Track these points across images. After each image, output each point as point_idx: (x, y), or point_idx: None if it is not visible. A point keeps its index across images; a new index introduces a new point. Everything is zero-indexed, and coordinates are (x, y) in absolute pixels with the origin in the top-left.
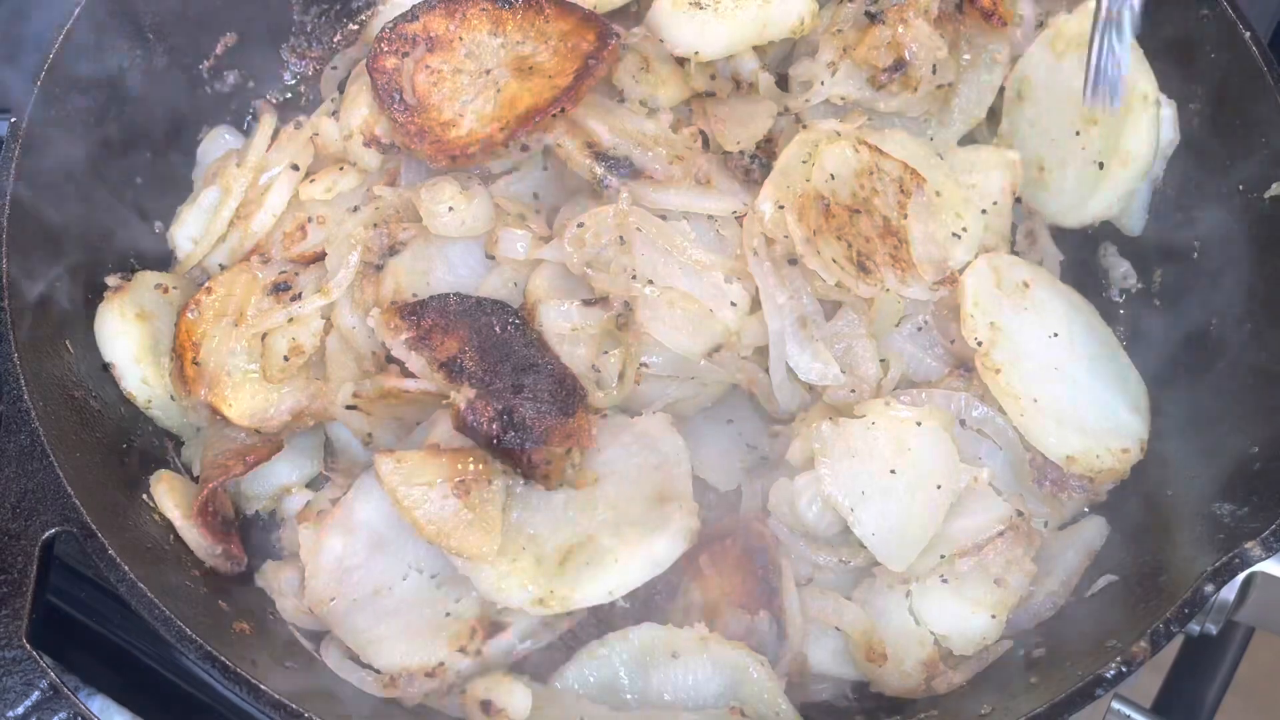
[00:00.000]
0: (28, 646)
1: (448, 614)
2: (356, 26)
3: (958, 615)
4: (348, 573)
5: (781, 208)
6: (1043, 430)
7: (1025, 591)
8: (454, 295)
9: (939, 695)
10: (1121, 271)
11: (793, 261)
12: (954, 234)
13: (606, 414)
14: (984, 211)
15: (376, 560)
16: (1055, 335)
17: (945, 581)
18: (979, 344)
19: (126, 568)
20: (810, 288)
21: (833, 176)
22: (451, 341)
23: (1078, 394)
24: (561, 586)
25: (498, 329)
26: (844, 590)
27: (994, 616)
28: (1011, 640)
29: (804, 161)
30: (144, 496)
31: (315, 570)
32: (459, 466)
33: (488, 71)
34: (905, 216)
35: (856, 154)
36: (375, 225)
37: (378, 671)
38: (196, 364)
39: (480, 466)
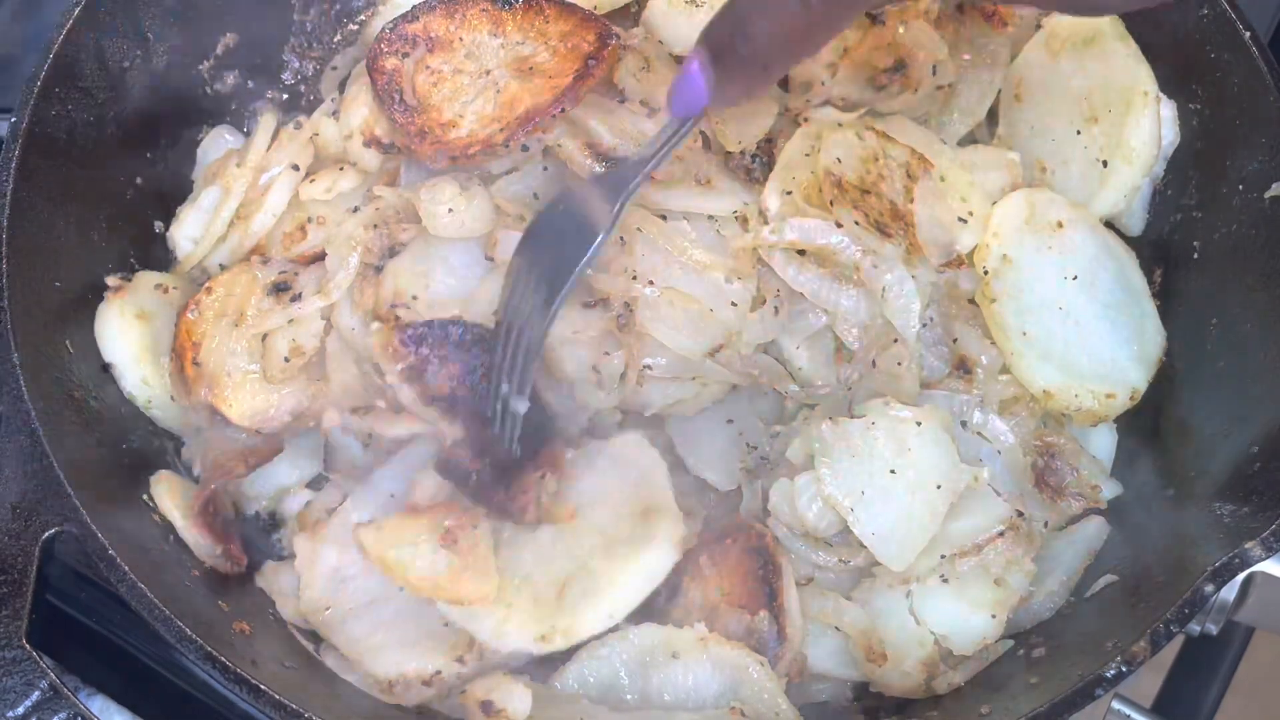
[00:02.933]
0: (28, 647)
1: (445, 623)
2: (356, 26)
3: (958, 615)
4: (343, 583)
5: (789, 193)
6: (1025, 363)
7: (1025, 591)
8: (457, 326)
9: (939, 695)
10: None
11: (802, 252)
12: (960, 218)
13: (580, 444)
14: (994, 204)
15: (373, 571)
16: (1074, 278)
17: (945, 581)
18: (985, 273)
19: (126, 568)
20: (823, 272)
21: (839, 160)
22: (445, 375)
23: (1078, 335)
24: (562, 620)
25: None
26: (844, 590)
27: (994, 616)
28: (1012, 640)
29: (807, 154)
30: (144, 497)
31: (310, 580)
32: (440, 521)
33: (488, 72)
34: (912, 200)
35: (861, 140)
36: (375, 226)
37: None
38: (196, 364)
39: (463, 514)
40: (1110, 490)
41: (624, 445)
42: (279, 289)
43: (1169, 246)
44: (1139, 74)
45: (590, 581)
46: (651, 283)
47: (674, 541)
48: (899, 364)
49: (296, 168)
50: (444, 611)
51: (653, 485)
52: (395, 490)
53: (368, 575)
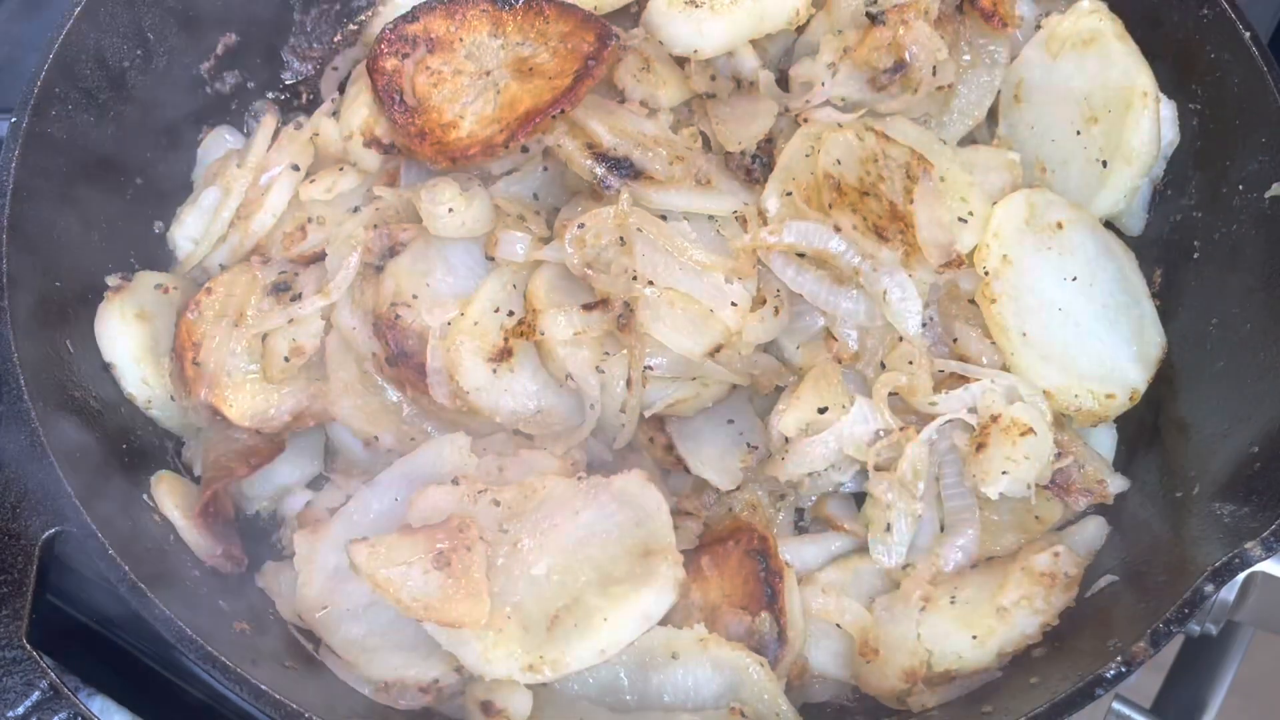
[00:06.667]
0: (28, 647)
1: None
2: (356, 26)
3: (950, 632)
4: (341, 584)
5: (789, 194)
6: (1025, 363)
7: (1029, 632)
8: None
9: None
10: None
11: (801, 254)
12: (960, 219)
13: (583, 475)
14: (994, 204)
15: None
16: (1074, 278)
17: (953, 604)
18: (985, 273)
19: (126, 568)
20: (822, 274)
21: (839, 162)
22: None
23: (1077, 336)
24: (551, 651)
25: None
26: (866, 598)
27: (974, 637)
28: (1000, 672)
29: (807, 155)
30: (144, 497)
31: (308, 579)
32: (434, 543)
33: (488, 73)
34: (911, 201)
35: (861, 141)
36: (375, 226)
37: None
38: (197, 364)
39: (457, 536)
40: (1116, 485)
41: (629, 484)
42: (279, 289)
43: (1169, 246)
44: (1139, 74)
45: (584, 615)
46: (652, 283)
47: (673, 583)
48: (909, 362)
49: (296, 168)
50: (432, 633)
51: (654, 526)
52: (400, 495)
53: None
